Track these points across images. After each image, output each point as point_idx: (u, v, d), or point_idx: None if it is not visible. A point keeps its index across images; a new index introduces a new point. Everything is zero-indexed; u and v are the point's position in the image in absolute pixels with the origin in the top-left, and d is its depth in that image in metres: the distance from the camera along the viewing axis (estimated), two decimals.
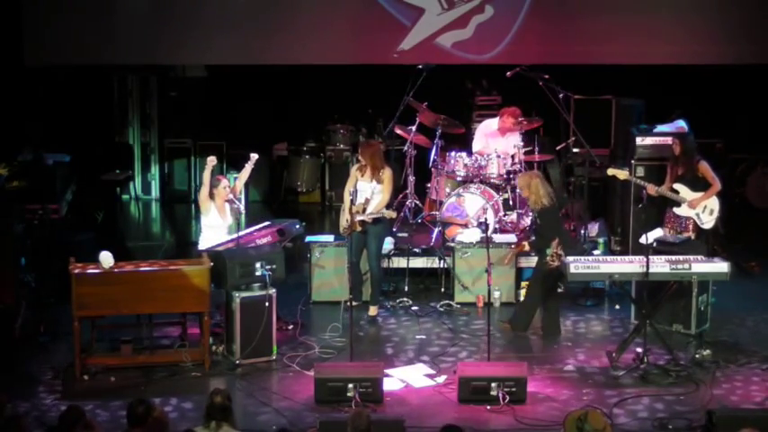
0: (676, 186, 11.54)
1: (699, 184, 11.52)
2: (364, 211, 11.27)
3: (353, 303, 10.79)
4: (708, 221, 11.54)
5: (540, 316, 11.16)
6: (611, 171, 11.84)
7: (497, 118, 13.03)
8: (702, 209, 11.51)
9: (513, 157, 12.78)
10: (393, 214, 11.71)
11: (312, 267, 11.96)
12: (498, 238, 12.10)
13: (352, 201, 11.21)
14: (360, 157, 11.52)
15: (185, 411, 9.34)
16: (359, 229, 11.26)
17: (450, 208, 12.56)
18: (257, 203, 15.73)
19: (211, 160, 11.04)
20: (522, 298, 11.67)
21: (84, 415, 7.53)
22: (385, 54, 14.49)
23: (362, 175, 11.41)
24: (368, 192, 11.33)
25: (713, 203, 11.54)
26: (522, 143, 12.88)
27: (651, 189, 11.56)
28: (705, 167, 11.57)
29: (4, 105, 14.11)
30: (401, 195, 13.13)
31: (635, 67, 14.60)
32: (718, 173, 11.76)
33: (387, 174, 11.41)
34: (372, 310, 11.61)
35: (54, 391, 9.82)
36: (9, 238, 11.25)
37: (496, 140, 12.95)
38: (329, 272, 11.91)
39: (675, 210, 11.59)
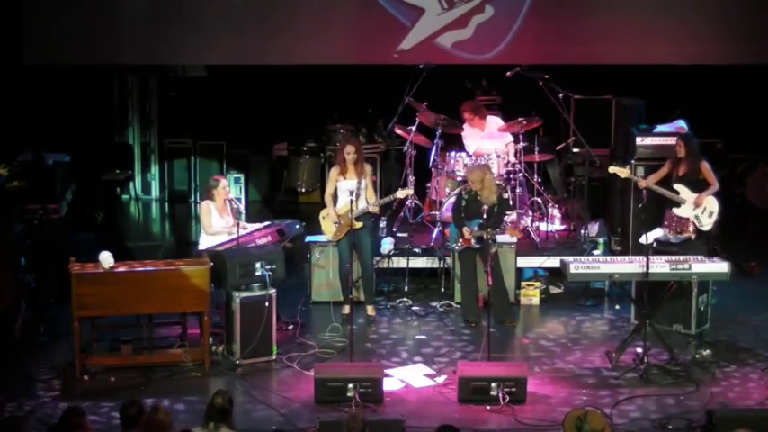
0: (677, 187, 11.52)
1: (699, 186, 11.50)
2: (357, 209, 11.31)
3: (347, 303, 10.90)
4: (707, 224, 11.51)
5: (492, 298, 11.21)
6: (612, 169, 11.83)
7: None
8: (702, 211, 11.49)
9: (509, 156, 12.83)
10: (410, 191, 11.99)
11: (312, 267, 11.96)
12: (499, 237, 12.08)
13: (351, 201, 11.12)
14: (345, 154, 11.35)
15: (182, 412, 9.33)
16: (358, 225, 11.26)
17: (450, 208, 12.56)
18: (257, 203, 15.74)
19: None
20: (520, 298, 11.81)
21: (84, 415, 7.53)
22: (385, 54, 14.48)
23: (344, 176, 11.39)
24: (353, 189, 11.27)
25: (713, 205, 11.52)
26: (512, 140, 12.89)
27: (641, 183, 11.56)
28: (707, 168, 11.55)
29: (4, 105, 14.10)
30: None
31: (635, 67, 14.60)
32: (717, 173, 11.77)
33: (368, 168, 11.51)
34: (370, 310, 11.60)
35: (54, 391, 9.82)
36: (9, 238, 11.25)
37: (491, 141, 12.96)
38: (329, 272, 11.90)
39: (675, 210, 11.58)
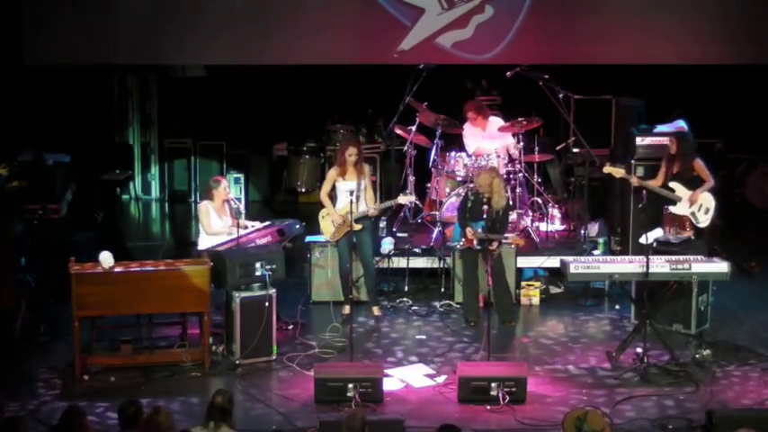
0: (672, 185, 11.53)
1: (693, 183, 11.51)
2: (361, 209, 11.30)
3: (347, 303, 10.93)
4: (703, 221, 11.52)
5: (494, 298, 11.24)
6: (606, 169, 11.82)
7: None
8: (698, 207, 11.50)
9: (509, 156, 12.81)
10: (412, 198, 11.90)
11: (312, 267, 11.96)
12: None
13: (351, 202, 11.10)
14: (347, 156, 11.37)
15: (181, 412, 9.32)
16: (358, 227, 11.26)
17: (450, 208, 12.56)
18: (257, 203, 15.74)
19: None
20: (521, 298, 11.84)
21: (84, 415, 7.54)
22: (385, 54, 14.48)
23: (343, 176, 11.39)
24: (353, 189, 11.25)
25: (708, 202, 11.52)
26: (514, 141, 12.89)
27: (635, 181, 11.58)
28: (700, 165, 11.57)
29: (4, 105, 14.11)
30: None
31: (635, 67, 14.60)
32: (717, 173, 11.78)
33: (367, 168, 11.51)
34: (375, 310, 11.59)
35: (54, 390, 9.82)
36: (9, 238, 11.25)
37: (491, 141, 12.96)
38: (329, 272, 11.90)
39: (671, 208, 11.59)
